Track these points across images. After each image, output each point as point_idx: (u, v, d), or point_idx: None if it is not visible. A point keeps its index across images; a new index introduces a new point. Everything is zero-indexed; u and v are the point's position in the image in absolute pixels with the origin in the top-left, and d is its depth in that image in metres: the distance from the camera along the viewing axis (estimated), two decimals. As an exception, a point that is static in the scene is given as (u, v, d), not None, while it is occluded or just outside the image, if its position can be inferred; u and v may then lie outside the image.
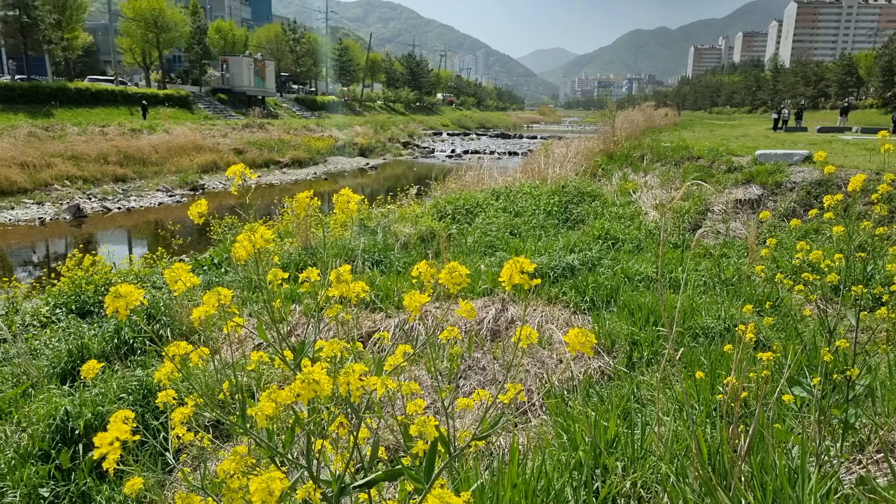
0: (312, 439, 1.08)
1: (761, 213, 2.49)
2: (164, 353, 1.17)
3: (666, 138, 23.48)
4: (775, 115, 36.89)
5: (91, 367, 1.23)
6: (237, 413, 1.09)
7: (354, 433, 1.13)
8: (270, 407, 0.95)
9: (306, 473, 1.10)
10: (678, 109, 59.52)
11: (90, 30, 54.22)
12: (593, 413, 3.90)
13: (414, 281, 1.06)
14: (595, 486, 3.12)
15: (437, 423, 1.03)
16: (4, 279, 9.65)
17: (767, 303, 5.23)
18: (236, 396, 1.20)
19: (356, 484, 1.15)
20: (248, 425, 1.04)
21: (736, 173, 14.70)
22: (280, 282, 1.21)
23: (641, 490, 3.15)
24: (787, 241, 9.95)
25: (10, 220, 20.11)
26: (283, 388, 1.02)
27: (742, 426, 2.07)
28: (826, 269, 2.62)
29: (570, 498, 2.86)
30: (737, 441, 2.03)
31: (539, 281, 0.96)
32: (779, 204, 12.90)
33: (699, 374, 3.08)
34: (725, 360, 4.91)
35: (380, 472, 1.15)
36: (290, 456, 1.09)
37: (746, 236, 11.50)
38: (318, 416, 1.05)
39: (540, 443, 3.68)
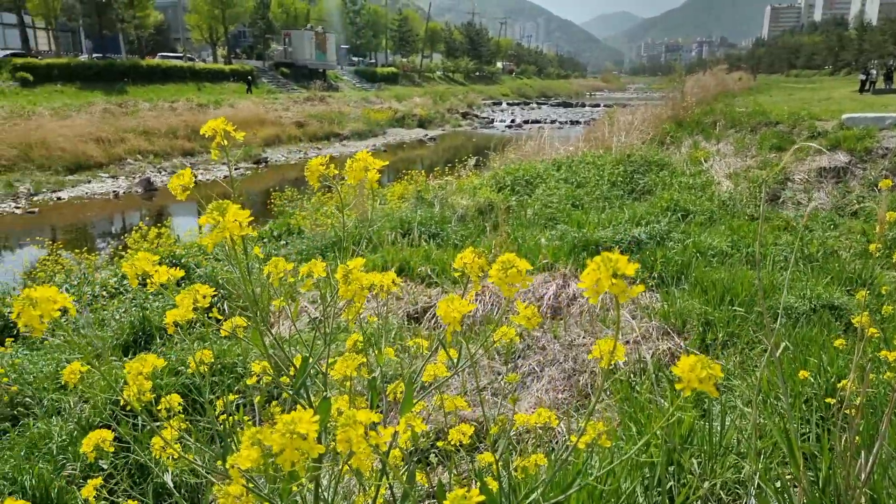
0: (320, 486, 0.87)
1: (882, 181, 2.11)
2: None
3: (740, 103, 22.08)
4: (862, 77, 34.11)
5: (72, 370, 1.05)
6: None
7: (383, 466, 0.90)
8: (253, 457, 0.72)
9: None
10: (753, 73, 56.01)
11: (160, 7, 55.86)
12: (664, 402, 3.58)
13: (457, 275, 0.80)
14: (668, 486, 2.82)
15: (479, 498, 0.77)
16: (77, 251, 10.06)
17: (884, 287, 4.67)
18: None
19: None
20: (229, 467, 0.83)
21: (820, 139, 13.59)
22: (282, 274, 0.98)
23: (722, 492, 2.83)
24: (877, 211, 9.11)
25: (87, 193, 21.07)
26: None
27: (857, 437, 1.74)
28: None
29: (640, 501, 2.58)
30: (848, 454, 1.70)
31: (643, 288, 0.69)
32: (868, 172, 11.86)
33: (803, 374, 2.68)
34: (814, 345, 4.46)
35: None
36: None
37: (832, 207, 10.63)
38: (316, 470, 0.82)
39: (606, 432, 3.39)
